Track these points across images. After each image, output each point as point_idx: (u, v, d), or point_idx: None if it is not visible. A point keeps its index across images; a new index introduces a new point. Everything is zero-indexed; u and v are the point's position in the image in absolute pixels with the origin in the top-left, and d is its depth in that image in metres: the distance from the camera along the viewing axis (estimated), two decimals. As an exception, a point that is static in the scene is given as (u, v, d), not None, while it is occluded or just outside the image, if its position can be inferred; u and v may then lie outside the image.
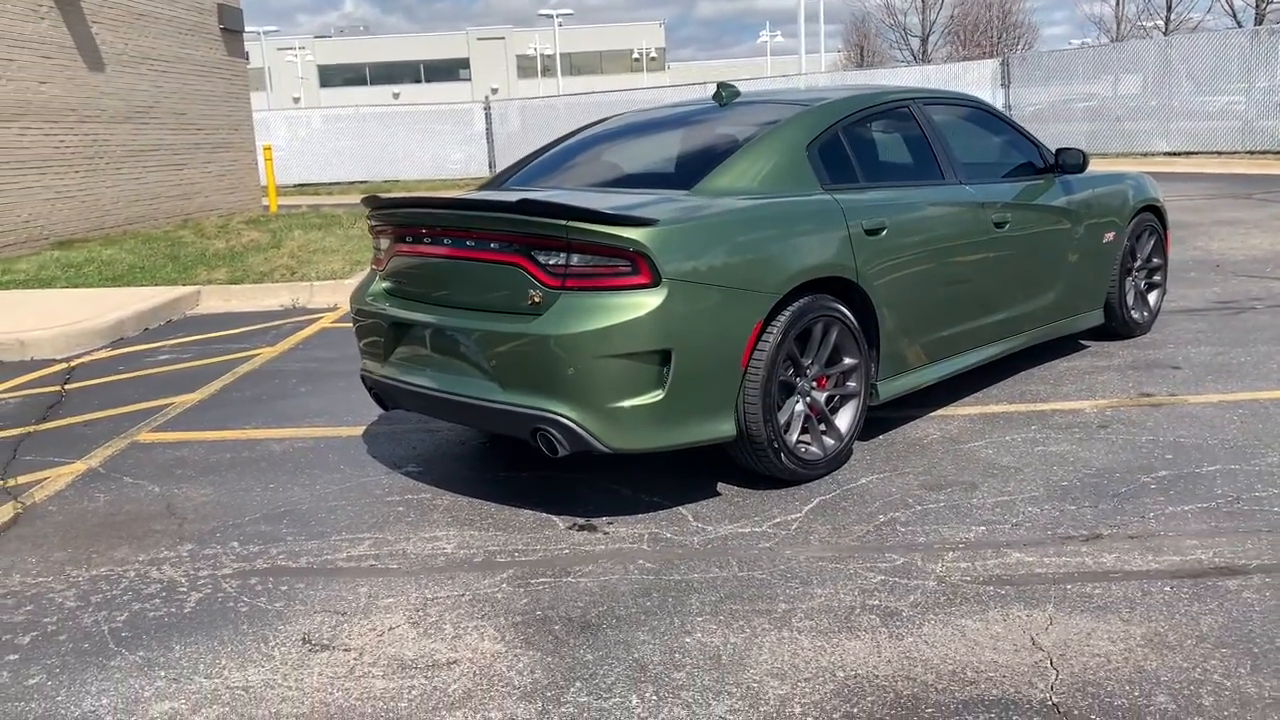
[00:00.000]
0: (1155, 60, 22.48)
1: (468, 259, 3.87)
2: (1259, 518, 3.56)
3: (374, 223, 4.32)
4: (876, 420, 4.76)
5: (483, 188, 4.95)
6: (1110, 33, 44.50)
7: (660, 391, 3.62)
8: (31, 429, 5.38)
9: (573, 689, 2.71)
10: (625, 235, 3.53)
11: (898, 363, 4.48)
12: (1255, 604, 2.96)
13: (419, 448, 4.76)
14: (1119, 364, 5.65)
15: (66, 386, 6.33)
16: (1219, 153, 20.75)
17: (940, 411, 4.93)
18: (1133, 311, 6.16)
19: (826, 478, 4.15)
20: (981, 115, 5.43)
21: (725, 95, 4.92)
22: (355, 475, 4.45)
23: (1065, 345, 6.02)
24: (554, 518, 3.87)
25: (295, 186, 28.46)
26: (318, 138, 30.51)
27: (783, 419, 3.99)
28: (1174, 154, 21.36)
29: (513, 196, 4.02)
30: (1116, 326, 6.09)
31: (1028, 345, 5.34)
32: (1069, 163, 5.41)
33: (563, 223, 3.58)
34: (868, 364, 4.29)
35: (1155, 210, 6.25)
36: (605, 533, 3.72)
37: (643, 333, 3.54)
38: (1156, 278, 6.40)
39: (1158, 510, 3.67)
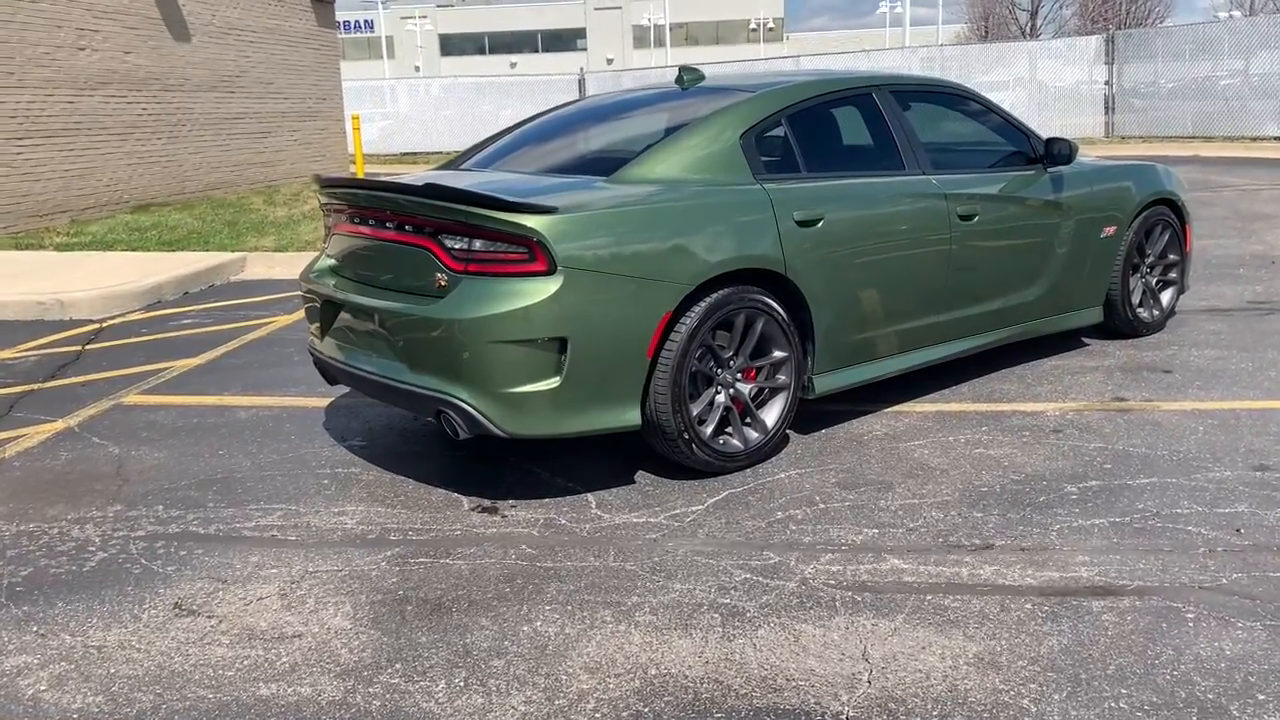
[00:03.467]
0: (1266, 39, 21.12)
1: (387, 241, 3.95)
2: (1166, 536, 3.40)
3: (322, 200, 4.43)
4: (825, 414, 4.69)
5: (442, 167, 5.02)
6: (1244, 7, 42.01)
7: (557, 378, 3.64)
8: (35, 387, 5.72)
9: (390, 669, 2.78)
10: (521, 222, 3.56)
11: (837, 357, 4.39)
12: (1109, 627, 2.84)
13: (372, 422, 4.89)
14: (1109, 365, 5.42)
15: (88, 347, 6.69)
16: (1338, 137, 19.45)
17: (896, 407, 4.82)
18: (1139, 310, 5.88)
19: (747, 470, 4.11)
20: (965, 104, 5.23)
21: (687, 79, 4.87)
22: (301, 445, 4.61)
23: (1062, 342, 5.79)
24: (462, 498, 3.94)
25: (401, 155, 28.98)
26: (434, 105, 31.03)
27: (697, 410, 3.97)
28: (1286, 138, 20.11)
29: (440, 179, 4.09)
30: (1120, 325, 5.82)
31: (1003, 343, 5.17)
32: (1058, 153, 5.18)
33: (464, 208, 3.62)
34: (799, 358, 4.23)
35: (1171, 204, 5.93)
36: (504, 516, 3.77)
37: (537, 319, 3.57)
38: (1172, 275, 6.08)
39: (1065, 523, 3.54)
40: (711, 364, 4.03)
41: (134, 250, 9.89)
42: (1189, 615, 2.89)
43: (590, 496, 3.92)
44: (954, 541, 3.43)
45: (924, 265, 4.62)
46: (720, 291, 3.93)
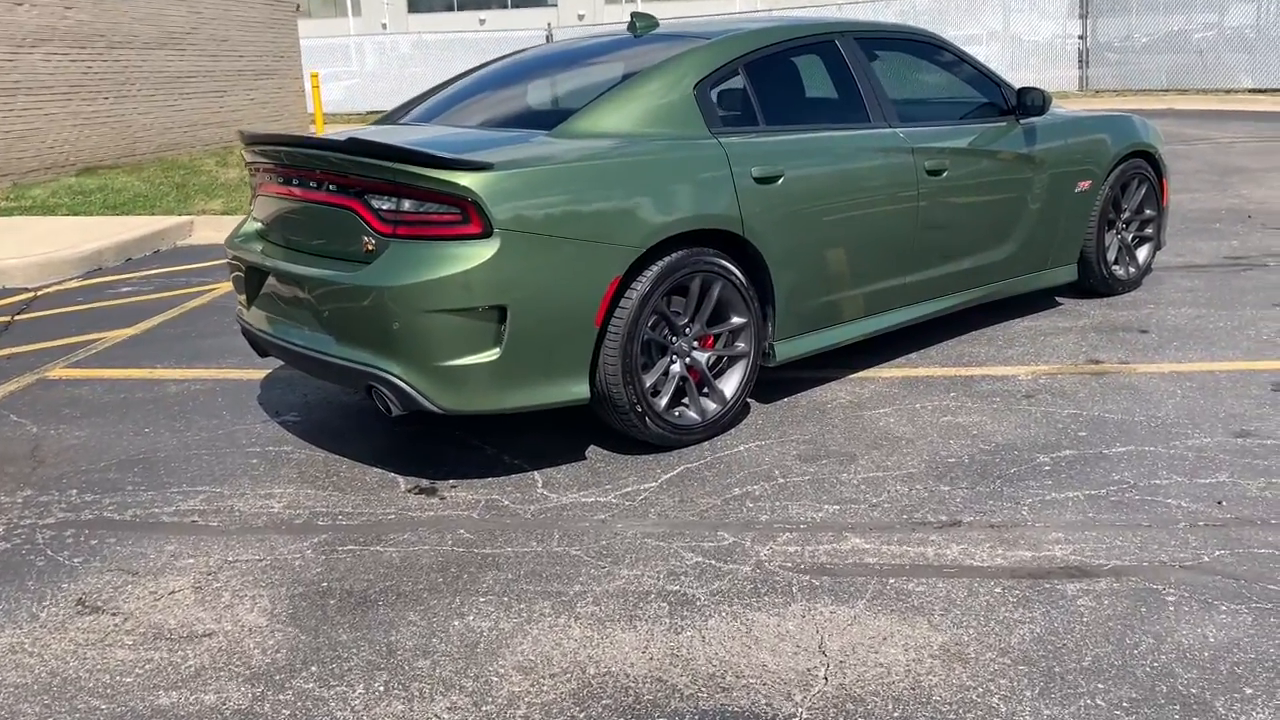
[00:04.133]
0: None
1: (313, 202, 3.66)
2: (1144, 510, 3.20)
3: (247, 159, 4.13)
4: (787, 381, 4.46)
5: (380, 121, 4.71)
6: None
7: (496, 350, 3.38)
8: (-43, 361, 5.40)
9: (305, 673, 2.54)
10: (453, 180, 3.28)
11: (800, 322, 4.16)
12: (1085, 613, 2.64)
13: (310, 395, 4.62)
14: (1083, 325, 5.21)
15: (17, 317, 6.36)
16: (1312, 90, 19.32)
17: (862, 373, 4.60)
18: (1115, 267, 5.67)
19: (704, 444, 3.88)
20: (933, 52, 4.96)
21: (640, 26, 4.57)
22: (232, 422, 4.33)
23: (1034, 302, 5.58)
24: (399, 478, 3.69)
25: (367, 114, 28.35)
26: (401, 63, 30.33)
27: (651, 381, 3.73)
28: (1259, 91, 19.95)
29: (369, 134, 3.79)
30: (1095, 283, 5.61)
31: (974, 304, 4.94)
32: (1031, 104, 4.93)
33: (392, 165, 3.34)
34: (760, 323, 3.99)
35: (1148, 156, 5.70)
36: (443, 497, 3.53)
37: (472, 287, 3.30)
38: (1148, 230, 5.86)
39: (1037, 496, 3.34)
40: (665, 332, 3.79)
41: (76, 215, 9.49)
42: (1169, 598, 2.70)
43: (537, 474, 3.68)
44: (919, 518, 3.22)
45: (891, 224, 4.37)
46: (674, 254, 3.67)
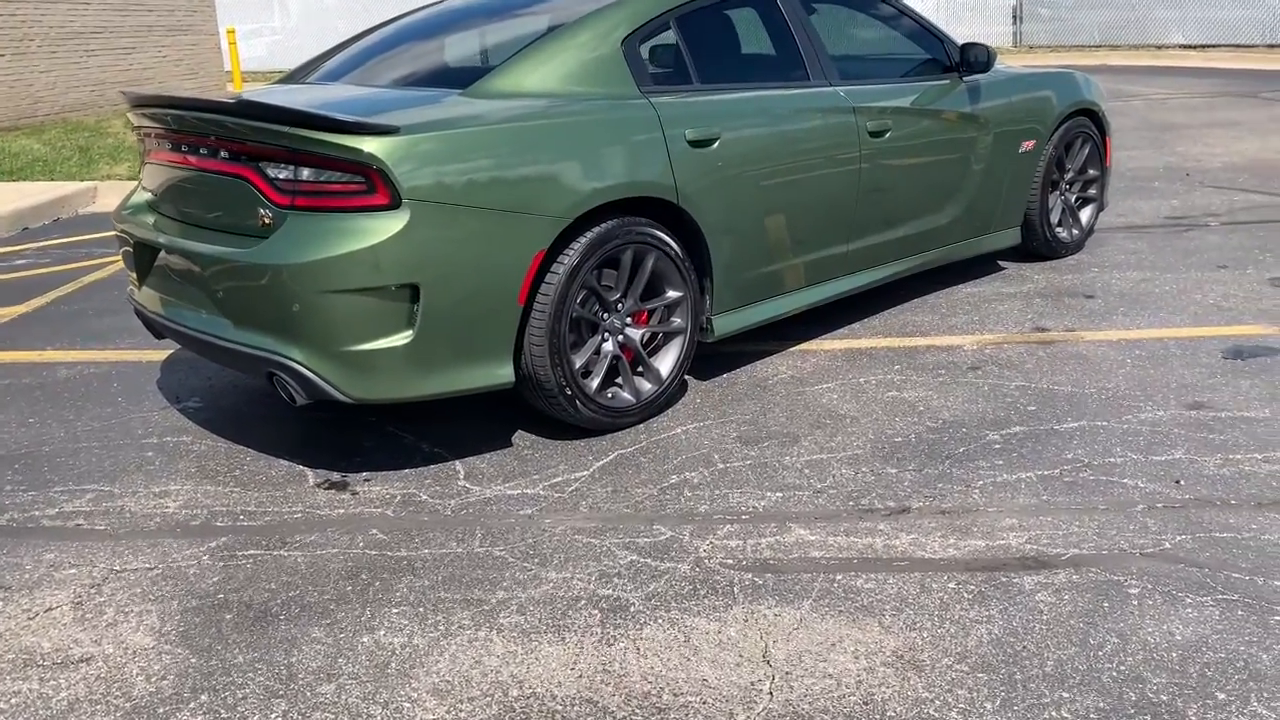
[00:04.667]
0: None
1: (203, 170, 3.32)
2: (1100, 492, 3.04)
3: (134, 123, 3.75)
4: (725, 355, 4.24)
5: (283, 80, 4.35)
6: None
7: (409, 332, 3.10)
8: None
9: (194, 703, 2.27)
10: (355, 146, 2.96)
11: (739, 294, 3.93)
12: (1044, 610, 2.47)
13: (214, 379, 4.28)
14: (1028, 291, 5.07)
15: (-102, 295, 5.87)
16: (1239, 46, 19.51)
17: (803, 345, 4.39)
18: (1058, 229, 5.53)
19: (640, 426, 3.65)
20: (873, 5, 4.71)
21: (567, -24, 4.24)
22: (128, 410, 3.99)
23: (977, 267, 5.42)
24: (308, 472, 3.40)
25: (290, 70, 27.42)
26: (327, 15, 29.20)
27: (581, 361, 3.48)
28: (1189, 47, 20.11)
29: (264, 94, 3.46)
30: (1038, 246, 5.47)
31: (917, 270, 4.76)
32: (975, 60, 4.73)
33: (288, 129, 3.02)
34: (697, 297, 3.75)
35: (1092, 114, 5.55)
36: (355, 492, 3.25)
37: (379, 264, 3.00)
38: (1091, 191, 5.73)
39: (989, 478, 3.17)
40: (596, 308, 3.54)
41: (-31, 181, 8.89)
42: (1132, 591, 2.54)
43: (459, 464, 3.42)
44: (866, 505, 3.03)
45: (832, 188, 4.15)
46: (603, 225, 3.41)
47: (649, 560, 2.78)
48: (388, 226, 3.00)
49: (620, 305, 3.59)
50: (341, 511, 3.13)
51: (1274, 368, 3.92)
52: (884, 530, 2.88)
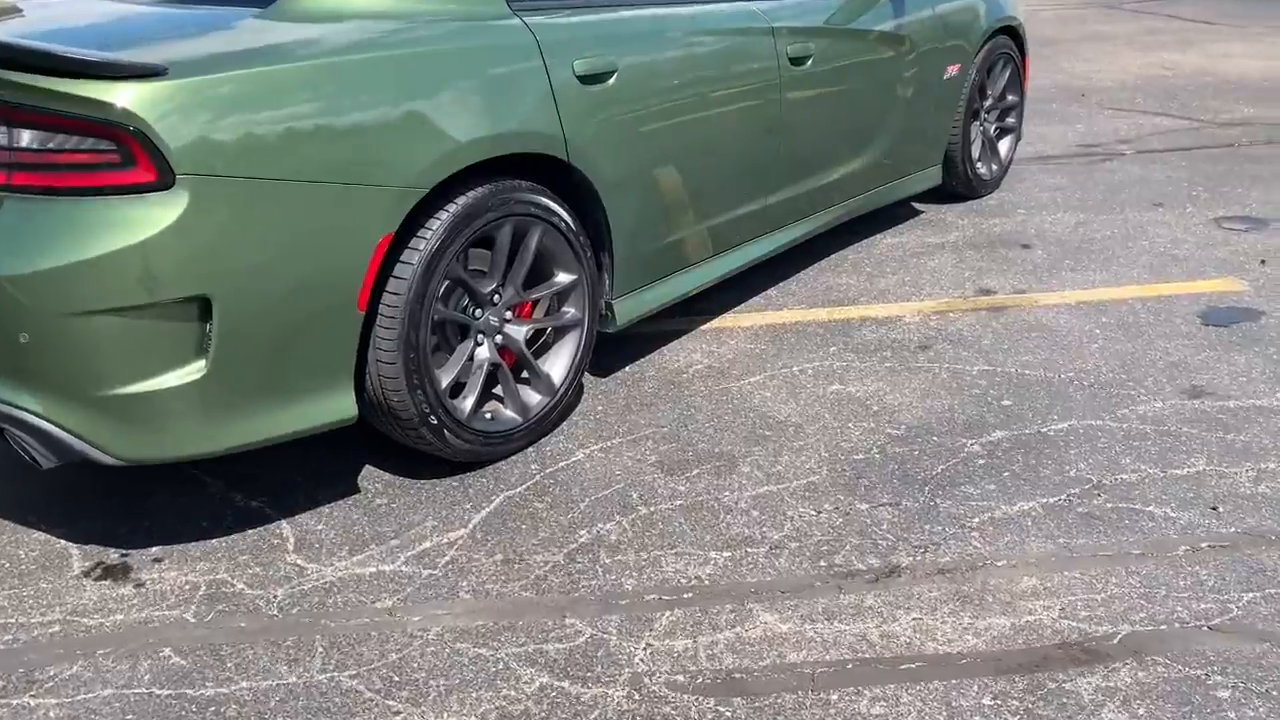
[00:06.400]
0: None
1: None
2: (1125, 528, 2.41)
3: None
4: (626, 340, 3.42)
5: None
6: None
7: (200, 364, 2.16)
8: None
9: None
10: (99, 99, 1.98)
11: (645, 270, 3.11)
12: (1122, 740, 1.81)
13: None
14: (955, 240, 4.42)
15: None
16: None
17: (715, 321, 3.62)
18: (979, 165, 4.89)
19: (529, 450, 2.82)
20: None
21: None
22: None
23: (891, 213, 4.72)
24: (72, 550, 2.44)
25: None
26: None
27: (448, 378, 2.61)
28: (1040, -43, 19.97)
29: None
30: (958, 185, 4.82)
31: (839, 223, 4.03)
32: (899, -33, 3.97)
33: (-11, 73, 2.00)
34: (595, 278, 2.91)
35: (1012, 33, 4.90)
36: (140, 583, 2.32)
37: (149, 270, 2.04)
38: (1010, 120, 5.10)
39: (984, 512, 2.49)
40: (466, 304, 2.66)
41: None
42: (1222, 696, 1.90)
43: (286, 527, 2.52)
44: (842, 566, 2.31)
45: (749, 129, 3.34)
46: (470, 194, 2.51)
47: (566, 684, 1.98)
48: (157, 215, 2.03)
49: (497, 297, 2.72)
50: (120, 618, 2.20)
51: (1262, 336, 3.39)
52: (875, 608, 2.17)
